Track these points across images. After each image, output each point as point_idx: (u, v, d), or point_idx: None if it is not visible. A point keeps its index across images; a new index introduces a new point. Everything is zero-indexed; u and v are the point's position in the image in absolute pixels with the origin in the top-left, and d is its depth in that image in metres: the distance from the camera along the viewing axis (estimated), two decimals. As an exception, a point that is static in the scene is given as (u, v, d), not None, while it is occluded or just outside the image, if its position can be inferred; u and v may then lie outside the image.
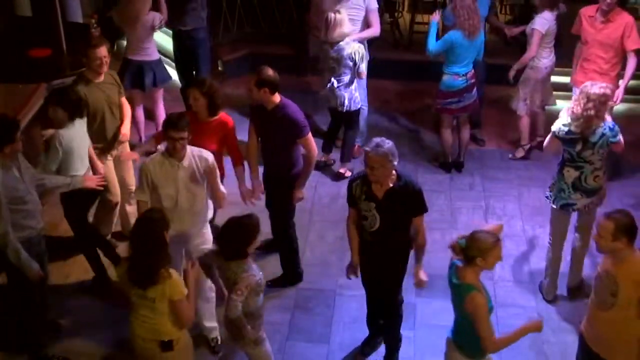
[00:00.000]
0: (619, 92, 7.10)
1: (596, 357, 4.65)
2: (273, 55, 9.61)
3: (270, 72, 5.80)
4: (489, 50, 9.01)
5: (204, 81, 5.97)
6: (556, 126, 5.72)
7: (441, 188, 7.64)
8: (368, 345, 5.79)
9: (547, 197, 6.05)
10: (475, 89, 7.59)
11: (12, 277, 5.43)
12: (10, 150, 5.11)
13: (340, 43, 7.22)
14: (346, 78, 7.34)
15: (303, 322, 6.06)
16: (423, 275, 5.27)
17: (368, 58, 7.69)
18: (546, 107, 8.02)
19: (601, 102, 5.49)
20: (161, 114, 7.99)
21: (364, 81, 7.74)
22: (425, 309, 6.10)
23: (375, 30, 7.77)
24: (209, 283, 5.57)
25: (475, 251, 4.38)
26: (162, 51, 8.49)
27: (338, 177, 7.81)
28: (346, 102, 7.43)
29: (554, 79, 8.07)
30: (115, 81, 6.51)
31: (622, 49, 7.12)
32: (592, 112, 5.48)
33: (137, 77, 7.76)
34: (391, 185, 4.99)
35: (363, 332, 5.77)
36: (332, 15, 7.15)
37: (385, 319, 5.59)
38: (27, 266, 5.20)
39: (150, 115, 8.17)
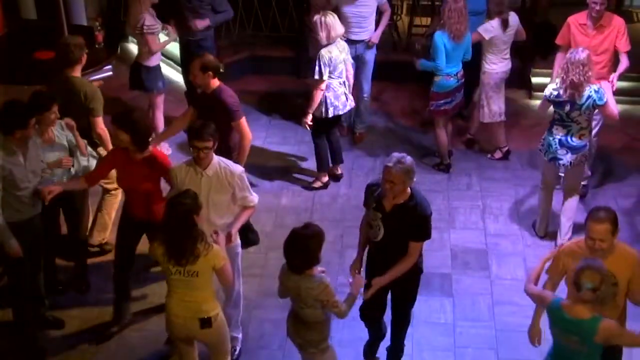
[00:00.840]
0: (614, 77, 7.17)
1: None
2: (274, 57, 9.75)
3: (212, 57, 6.25)
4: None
5: (120, 115, 5.51)
6: (548, 91, 6.45)
7: (439, 188, 7.72)
8: (370, 349, 5.79)
9: (539, 150, 6.73)
10: (463, 88, 7.73)
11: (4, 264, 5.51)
12: (21, 136, 5.15)
13: (346, 44, 7.29)
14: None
15: (303, 319, 6.14)
16: (357, 289, 4.94)
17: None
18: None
19: (590, 62, 6.25)
20: (157, 120, 8.01)
21: (370, 71, 8.10)
22: (422, 306, 6.14)
23: (389, 13, 8.30)
24: (240, 288, 5.62)
25: (611, 288, 4.33)
26: (164, 53, 8.57)
27: (336, 178, 7.87)
28: (350, 97, 7.53)
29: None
30: None
31: (615, 51, 7.20)
32: (590, 74, 6.23)
33: (132, 75, 7.95)
34: (402, 201, 4.99)
35: (363, 330, 5.78)
36: (322, 17, 7.08)
37: (393, 325, 5.59)
38: (5, 241, 5.21)
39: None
